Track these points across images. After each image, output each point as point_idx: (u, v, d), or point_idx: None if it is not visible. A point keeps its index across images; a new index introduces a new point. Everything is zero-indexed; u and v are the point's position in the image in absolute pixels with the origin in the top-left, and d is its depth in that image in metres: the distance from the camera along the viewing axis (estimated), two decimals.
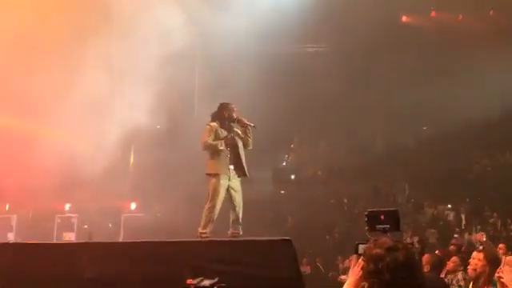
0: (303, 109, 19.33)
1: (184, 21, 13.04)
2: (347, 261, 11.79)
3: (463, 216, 16.08)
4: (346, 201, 18.95)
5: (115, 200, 15.83)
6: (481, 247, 7.16)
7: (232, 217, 6.77)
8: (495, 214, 15.47)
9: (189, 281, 3.40)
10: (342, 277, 11.18)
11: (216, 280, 3.32)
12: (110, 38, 12.63)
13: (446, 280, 6.54)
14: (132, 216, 15.86)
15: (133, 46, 13.18)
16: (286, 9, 15.87)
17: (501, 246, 9.14)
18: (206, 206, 6.67)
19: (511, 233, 14.61)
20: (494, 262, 5.20)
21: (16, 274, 5.89)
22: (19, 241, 10.81)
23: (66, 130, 13.49)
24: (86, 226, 15.34)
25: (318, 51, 20.49)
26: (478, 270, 5.26)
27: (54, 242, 11.78)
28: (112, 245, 7.03)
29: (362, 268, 2.74)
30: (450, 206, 16.96)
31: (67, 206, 15.78)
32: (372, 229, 3.35)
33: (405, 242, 3.68)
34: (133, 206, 16.66)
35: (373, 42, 17.40)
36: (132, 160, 17.98)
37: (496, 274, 4.79)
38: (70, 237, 13.98)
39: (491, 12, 19.06)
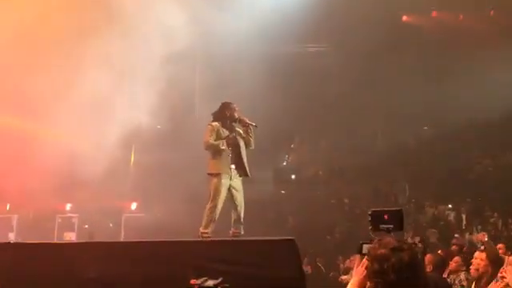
0: (304, 108, 19.30)
1: (184, 21, 13.02)
2: (348, 261, 11.78)
3: (464, 216, 16.07)
4: (346, 201, 18.93)
5: (116, 200, 15.82)
6: (482, 247, 7.13)
7: (233, 216, 6.76)
8: (496, 214, 15.44)
9: (192, 281, 3.36)
10: (343, 277, 11.17)
11: (220, 280, 3.29)
12: (111, 38, 12.60)
13: (448, 280, 6.54)
14: (133, 216, 15.86)
15: (133, 46, 13.16)
16: (287, 9, 15.86)
17: (500, 245, 9.12)
18: (208, 206, 6.67)
19: None
20: (496, 262, 5.20)
21: (16, 273, 5.87)
22: (20, 241, 10.78)
23: (66, 129, 13.48)
24: (86, 226, 15.33)
25: (319, 51, 20.49)
26: (480, 269, 5.27)
27: (55, 241, 11.76)
28: (113, 245, 7.01)
29: (366, 268, 2.73)
30: (450, 206, 16.94)
31: (68, 206, 15.78)
32: (375, 228, 3.33)
33: (407, 241, 3.65)
34: (133, 206, 16.66)
35: (373, 42, 17.37)
36: (133, 160, 17.97)
37: (499, 274, 4.78)
38: (70, 237, 13.97)
39: (492, 12, 19.05)
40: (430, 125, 21.00)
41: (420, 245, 7.82)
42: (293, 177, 21.91)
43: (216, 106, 7.12)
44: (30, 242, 7.48)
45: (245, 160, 6.86)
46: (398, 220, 3.34)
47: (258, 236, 7.08)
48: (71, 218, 14.86)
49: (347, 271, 11.56)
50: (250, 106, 8.31)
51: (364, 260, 2.79)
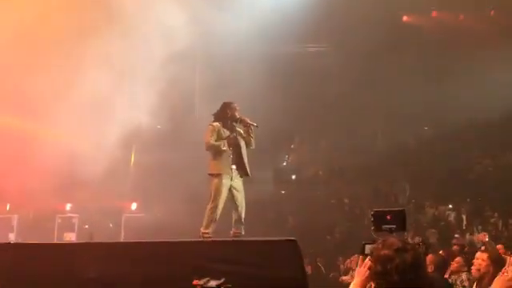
0: (304, 108, 19.29)
1: (185, 21, 13.01)
2: (348, 261, 11.78)
3: (464, 216, 16.04)
4: (346, 201, 18.91)
5: (116, 200, 15.81)
6: (483, 247, 7.12)
7: (234, 217, 6.75)
8: (496, 214, 15.42)
9: (195, 281, 3.36)
10: (344, 277, 11.17)
11: (222, 280, 3.28)
12: (111, 38, 12.59)
13: (449, 280, 6.52)
14: (133, 216, 15.84)
15: (133, 46, 13.15)
16: (287, 9, 15.85)
17: (499, 246, 9.11)
18: (209, 206, 6.65)
19: None
20: (498, 262, 5.17)
21: (16, 274, 5.85)
22: (20, 241, 10.77)
23: (66, 129, 13.47)
24: (86, 226, 15.30)
25: (319, 51, 20.48)
26: (481, 270, 5.24)
27: (55, 242, 11.75)
28: (113, 245, 6.99)
29: (368, 268, 2.71)
30: (450, 206, 16.91)
31: (68, 206, 15.75)
32: (378, 229, 3.31)
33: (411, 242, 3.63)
34: (133, 206, 16.64)
35: (373, 42, 17.36)
36: (133, 160, 17.96)
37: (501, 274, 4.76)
38: (70, 237, 13.93)
39: (492, 12, 19.04)
40: (430, 125, 20.99)
41: (422, 245, 7.80)
42: (293, 177, 21.89)
43: (216, 106, 7.10)
44: (29, 242, 7.46)
45: (246, 160, 6.85)
46: (400, 220, 3.32)
47: (258, 236, 7.06)
48: (71, 218, 14.83)
49: (347, 271, 11.56)
50: (250, 106, 8.30)
51: (366, 260, 2.77)
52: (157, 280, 5.44)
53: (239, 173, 6.79)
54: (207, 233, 6.56)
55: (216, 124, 6.85)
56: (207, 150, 6.80)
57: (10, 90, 13.04)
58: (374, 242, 2.87)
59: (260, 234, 8.26)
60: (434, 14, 19.95)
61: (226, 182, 6.65)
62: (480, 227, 14.65)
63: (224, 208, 6.70)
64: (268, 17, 14.92)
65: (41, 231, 13.96)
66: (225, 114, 6.90)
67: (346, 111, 19.63)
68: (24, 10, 12.71)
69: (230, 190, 6.69)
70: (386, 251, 2.57)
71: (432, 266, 6.13)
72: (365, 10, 16.91)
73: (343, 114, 19.68)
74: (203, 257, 5.44)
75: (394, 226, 3.28)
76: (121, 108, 13.31)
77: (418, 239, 8.96)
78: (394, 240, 2.63)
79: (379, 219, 3.34)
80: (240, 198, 6.74)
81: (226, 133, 6.83)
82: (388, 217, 3.31)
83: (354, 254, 11.40)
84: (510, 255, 7.11)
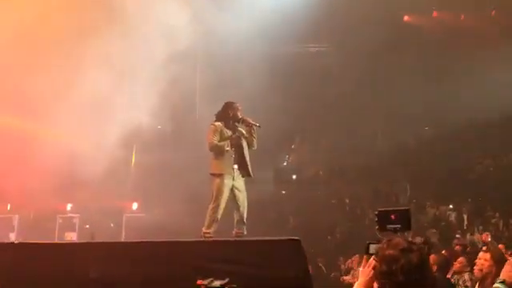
0: (304, 109, 19.29)
1: (185, 21, 12.99)
2: (349, 261, 11.77)
3: (465, 216, 16.03)
4: (347, 201, 18.91)
5: (117, 200, 15.80)
6: (484, 247, 7.10)
7: (236, 217, 6.73)
8: (497, 214, 15.42)
9: (199, 281, 3.33)
10: (345, 277, 11.16)
11: (227, 280, 3.26)
12: (111, 38, 12.57)
13: (452, 280, 6.50)
14: (134, 216, 15.83)
15: (133, 46, 13.13)
16: (287, 9, 15.84)
17: (500, 246, 9.09)
18: (210, 206, 6.63)
19: None
20: (500, 262, 5.15)
21: (17, 274, 5.83)
22: (21, 241, 10.73)
23: (67, 130, 13.45)
24: (87, 226, 15.29)
25: (319, 51, 20.49)
26: (484, 270, 5.22)
27: (55, 241, 11.72)
28: (114, 245, 6.96)
29: (373, 268, 2.69)
30: (451, 206, 16.91)
31: (69, 206, 15.75)
32: (382, 228, 3.28)
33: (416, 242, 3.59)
34: (134, 206, 16.64)
35: (374, 42, 17.36)
36: (133, 160, 17.94)
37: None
38: (71, 237, 13.94)
39: (493, 12, 19.03)
40: (430, 125, 21.01)
41: (424, 245, 7.78)
42: (293, 177, 21.91)
43: (217, 107, 7.08)
44: (30, 241, 7.44)
45: (248, 160, 6.83)
46: (405, 220, 3.29)
47: (258, 236, 7.04)
48: (72, 218, 14.83)
49: (348, 271, 11.55)
50: (251, 106, 8.28)
51: (371, 260, 2.75)
52: (158, 280, 5.42)
53: (241, 173, 6.78)
54: (208, 233, 6.55)
55: (218, 124, 6.83)
56: (211, 150, 6.76)
57: (10, 89, 13.01)
58: (378, 241, 2.85)
59: (261, 234, 8.23)
60: (435, 14, 19.94)
61: (227, 182, 6.63)
62: (481, 227, 14.64)
63: (226, 208, 6.69)
64: (268, 17, 14.91)
65: (41, 231, 13.95)
66: (227, 114, 6.88)
67: (346, 111, 19.65)
68: (24, 9, 12.69)
69: (231, 190, 6.67)
70: (391, 251, 2.54)
71: (435, 266, 6.12)
72: (365, 9, 16.92)
73: (343, 114, 19.69)
74: (205, 257, 5.41)
75: (399, 226, 3.25)
76: (121, 108, 13.27)
77: (419, 239, 8.93)
78: (399, 240, 2.61)
79: (383, 219, 3.31)
80: (242, 198, 6.72)
81: (228, 133, 6.81)
82: (392, 216, 3.28)
83: (354, 254, 11.41)
84: (510, 255, 7.11)
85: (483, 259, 5.25)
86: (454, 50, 18.63)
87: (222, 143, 6.69)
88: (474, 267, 5.38)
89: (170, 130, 15.10)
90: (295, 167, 22.47)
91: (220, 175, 6.65)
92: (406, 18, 20.29)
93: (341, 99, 19.23)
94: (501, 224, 15.08)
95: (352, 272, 11.06)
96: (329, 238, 16.83)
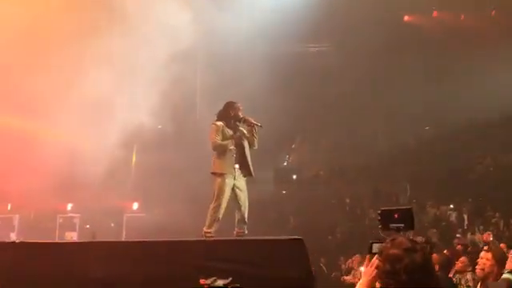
0: (304, 108, 19.30)
1: (185, 21, 12.99)
2: (350, 261, 11.77)
3: (465, 216, 16.02)
4: (347, 201, 18.90)
5: (117, 200, 15.80)
6: (486, 247, 7.09)
7: (237, 216, 6.71)
8: (497, 214, 15.40)
9: (202, 280, 3.33)
10: (346, 277, 11.16)
11: (229, 280, 3.25)
12: (112, 38, 12.57)
13: (454, 280, 6.50)
14: (134, 216, 15.83)
15: (134, 46, 13.13)
16: (287, 9, 15.87)
17: (501, 245, 9.09)
18: (212, 206, 6.61)
19: None
20: (502, 262, 5.15)
21: (17, 273, 5.82)
22: (22, 240, 10.72)
23: (67, 130, 13.45)
24: (88, 226, 15.29)
25: (320, 51, 20.50)
26: (486, 269, 5.22)
27: (56, 241, 11.70)
28: (114, 244, 6.95)
29: (376, 268, 2.68)
30: (452, 206, 16.90)
31: (69, 206, 15.76)
32: (385, 228, 3.27)
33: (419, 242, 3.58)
34: (135, 205, 16.64)
35: (374, 42, 17.38)
36: (134, 160, 17.94)
37: None
38: (72, 236, 13.94)
39: (493, 12, 19.04)
40: (431, 125, 21.01)
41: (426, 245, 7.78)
42: (294, 177, 21.90)
43: (217, 106, 7.06)
44: (30, 241, 7.42)
45: (249, 160, 6.82)
46: (408, 219, 3.28)
47: (259, 236, 7.03)
48: (72, 218, 14.84)
49: (349, 271, 11.55)
50: (251, 105, 8.27)
51: (374, 260, 2.74)
52: (159, 279, 5.41)
53: (242, 172, 6.76)
54: (210, 232, 6.53)
55: (220, 123, 6.81)
56: (214, 149, 6.74)
57: (10, 89, 13.01)
58: (381, 241, 2.84)
59: (261, 234, 8.23)
60: (435, 14, 19.96)
61: (229, 182, 6.61)
62: (481, 227, 14.63)
63: (227, 208, 6.68)
64: (268, 17, 14.94)
65: (42, 231, 13.95)
66: (228, 114, 6.86)
67: (346, 111, 19.66)
68: (24, 10, 12.69)
69: (233, 189, 6.66)
70: (394, 250, 2.54)
71: (437, 265, 6.11)
72: (365, 9, 16.94)
73: (344, 113, 19.71)
74: (205, 256, 5.40)
75: (402, 225, 3.24)
76: (122, 108, 13.28)
77: (420, 239, 8.93)
78: (402, 239, 2.60)
79: (386, 218, 3.30)
80: (243, 197, 6.71)
81: (229, 132, 6.79)
82: (395, 215, 3.27)
83: (355, 254, 11.42)
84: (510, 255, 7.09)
85: (485, 259, 5.24)
86: (454, 50, 18.64)
87: (225, 142, 6.67)
88: (476, 267, 5.38)
89: (170, 129, 15.08)
90: (295, 167, 22.46)
91: (221, 175, 6.63)
92: (406, 18, 20.31)
93: (341, 99, 19.24)
94: (501, 224, 15.06)
95: (353, 272, 11.07)
96: (329, 237, 16.82)
